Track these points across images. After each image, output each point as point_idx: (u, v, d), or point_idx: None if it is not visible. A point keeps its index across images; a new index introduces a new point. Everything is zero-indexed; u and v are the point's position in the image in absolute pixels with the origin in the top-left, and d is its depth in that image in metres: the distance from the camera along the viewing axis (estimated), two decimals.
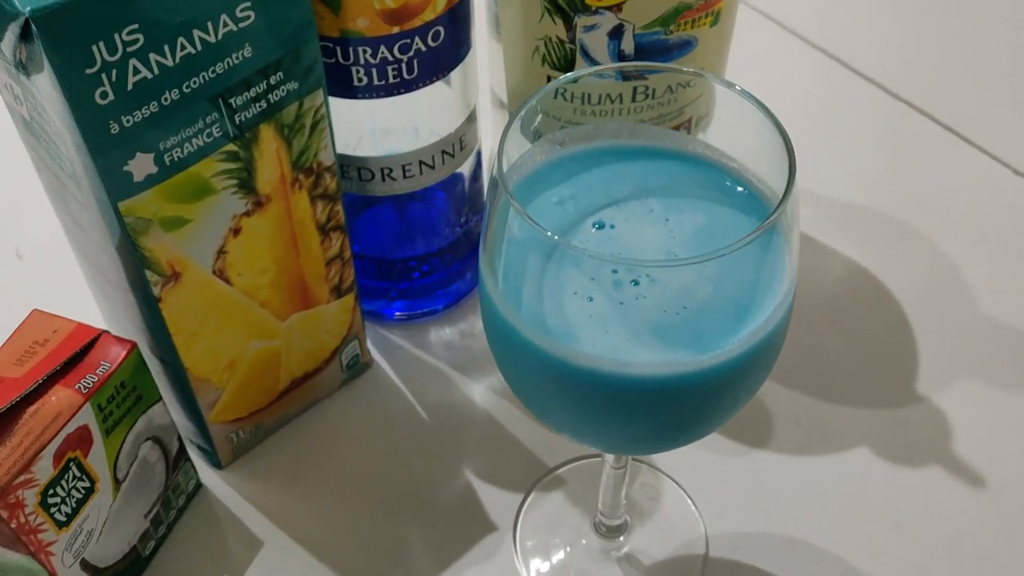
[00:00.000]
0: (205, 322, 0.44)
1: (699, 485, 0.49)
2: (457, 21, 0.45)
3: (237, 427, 0.49)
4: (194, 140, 0.38)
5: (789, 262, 0.32)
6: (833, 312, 0.55)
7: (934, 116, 0.65)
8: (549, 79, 0.48)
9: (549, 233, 0.30)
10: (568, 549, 0.47)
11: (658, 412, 0.33)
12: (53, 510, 0.40)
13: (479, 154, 0.53)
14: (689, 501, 0.48)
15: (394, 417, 0.52)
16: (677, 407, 0.33)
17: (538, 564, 0.46)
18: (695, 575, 0.46)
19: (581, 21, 0.45)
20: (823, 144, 0.64)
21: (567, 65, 0.47)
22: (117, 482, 0.43)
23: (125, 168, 0.37)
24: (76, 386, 0.41)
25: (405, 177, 0.49)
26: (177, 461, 0.47)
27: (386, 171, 0.48)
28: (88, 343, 0.42)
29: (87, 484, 0.42)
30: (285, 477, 0.50)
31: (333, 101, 0.45)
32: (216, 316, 0.44)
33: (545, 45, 0.47)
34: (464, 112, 0.49)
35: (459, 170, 0.51)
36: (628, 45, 0.46)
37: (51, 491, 0.40)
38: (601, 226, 0.34)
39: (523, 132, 0.35)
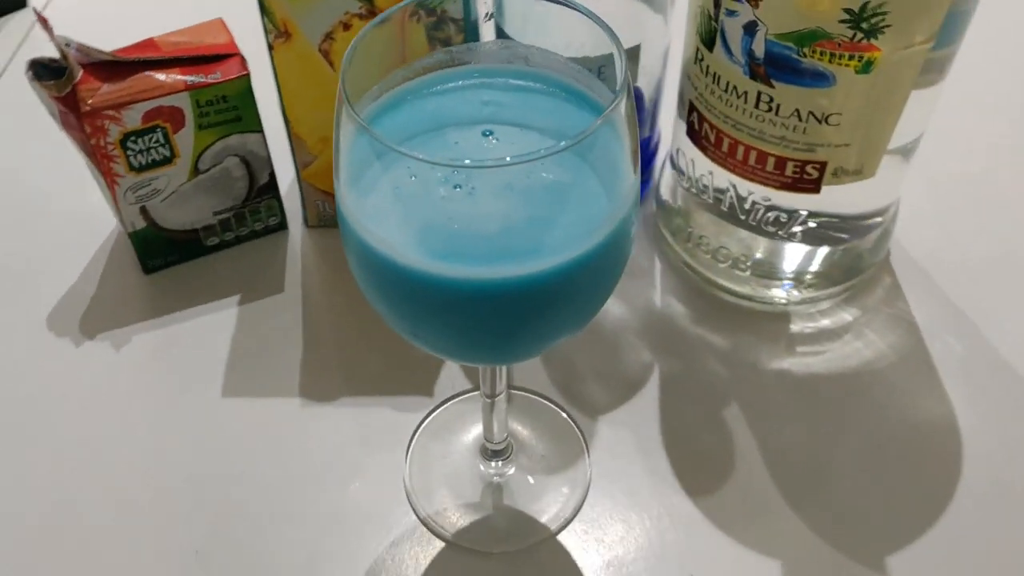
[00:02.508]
0: (306, 90, 0.51)
1: (603, 448, 0.48)
2: None
3: (324, 198, 0.56)
4: None
5: (607, 199, 0.32)
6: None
7: None
8: (697, 51, 0.47)
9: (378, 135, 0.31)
10: (453, 457, 0.49)
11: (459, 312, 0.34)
12: (129, 154, 0.51)
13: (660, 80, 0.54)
14: (584, 448, 0.48)
15: None
16: (481, 312, 0.34)
17: (420, 460, 0.49)
18: (566, 513, 0.46)
19: (726, 3, 0.44)
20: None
21: (709, 40, 0.46)
22: (196, 170, 0.53)
23: None
24: (186, 77, 0.50)
25: None
26: (262, 191, 0.56)
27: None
28: (222, 55, 0.51)
29: (167, 153, 0.52)
30: (335, 265, 0.57)
31: None
32: (316, 90, 0.51)
33: (701, 13, 0.46)
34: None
35: (638, 85, 0.52)
36: (759, 47, 0.44)
37: (133, 138, 0.50)
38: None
39: None
